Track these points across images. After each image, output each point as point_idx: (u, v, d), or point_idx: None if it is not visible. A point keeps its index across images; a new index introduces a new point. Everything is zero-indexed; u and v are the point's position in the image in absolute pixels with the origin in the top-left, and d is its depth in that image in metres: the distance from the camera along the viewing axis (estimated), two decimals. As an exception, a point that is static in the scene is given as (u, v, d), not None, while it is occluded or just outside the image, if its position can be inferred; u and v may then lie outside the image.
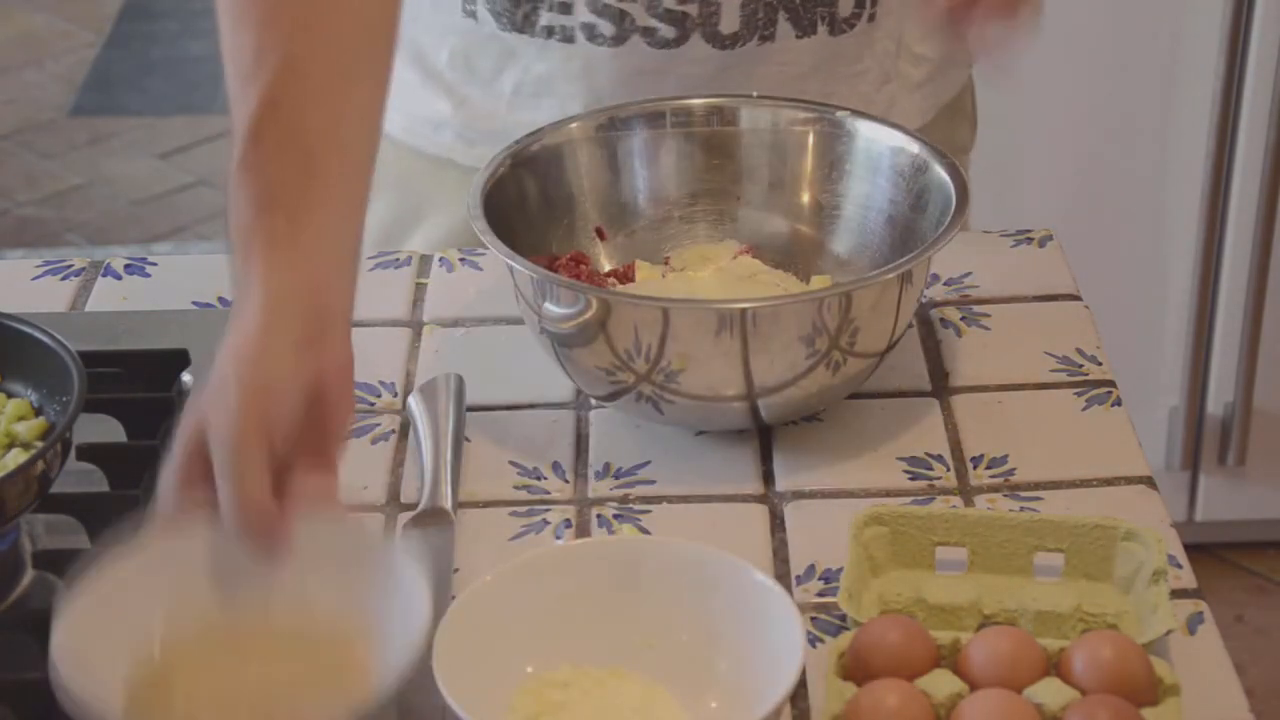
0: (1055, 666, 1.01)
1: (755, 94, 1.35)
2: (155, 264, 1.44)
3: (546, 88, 1.40)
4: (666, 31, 1.37)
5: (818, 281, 1.30)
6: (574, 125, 1.33)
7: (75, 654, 0.95)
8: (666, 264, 1.32)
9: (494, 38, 1.40)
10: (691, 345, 1.16)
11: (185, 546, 0.99)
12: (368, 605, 1.00)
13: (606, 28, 1.37)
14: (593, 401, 1.27)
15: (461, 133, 1.45)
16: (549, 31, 1.38)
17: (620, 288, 1.29)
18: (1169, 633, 1.04)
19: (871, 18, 1.40)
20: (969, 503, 1.18)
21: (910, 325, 1.28)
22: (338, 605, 1.01)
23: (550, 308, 1.19)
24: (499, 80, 1.41)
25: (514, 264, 1.19)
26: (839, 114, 1.32)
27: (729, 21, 1.37)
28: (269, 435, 0.97)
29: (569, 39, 1.38)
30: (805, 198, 1.33)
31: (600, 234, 1.33)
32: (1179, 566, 1.12)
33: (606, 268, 1.31)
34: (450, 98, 1.44)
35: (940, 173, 1.26)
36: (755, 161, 1.34)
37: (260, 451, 0.96)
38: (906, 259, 1.18)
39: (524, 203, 1.29)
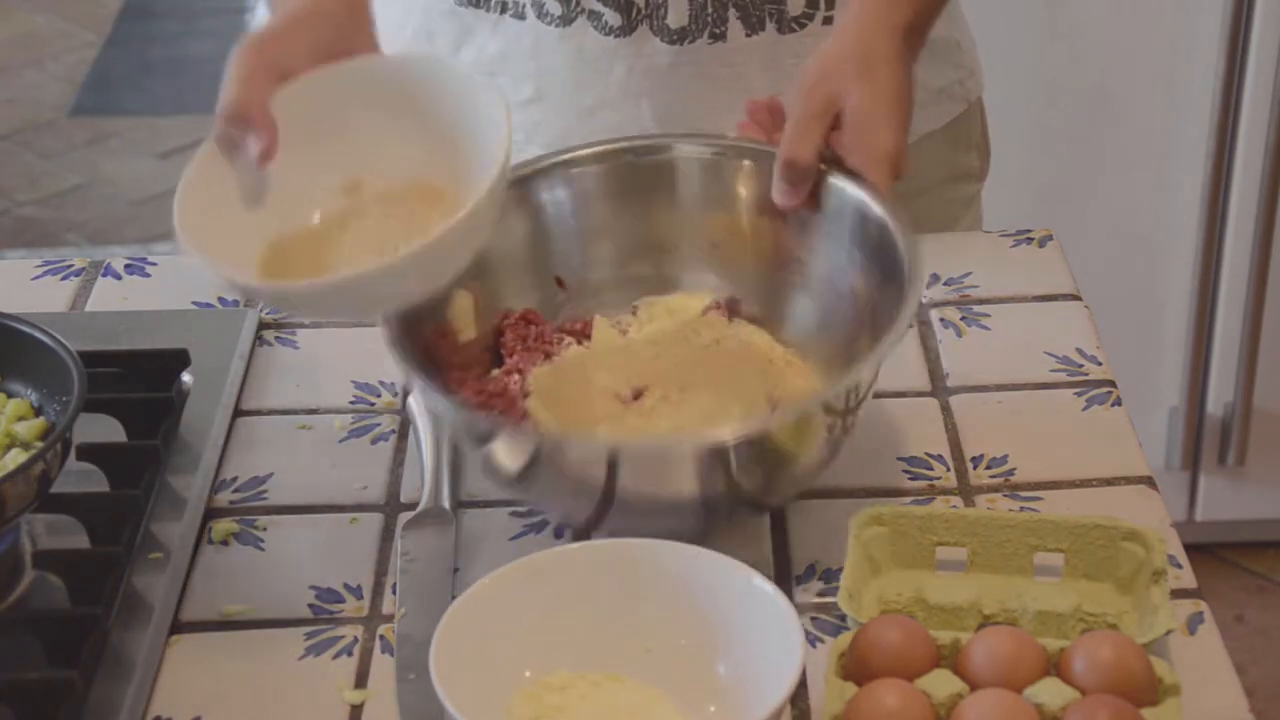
0: (1055, 666, 1.01)
1: (731, 135, 1.26)
2: (155, 264, 1.44)
3: (500, 66, 1.40)
4: (612, 18, 1.37)
5: (787, 354, 1.22)
6: (528, 170, 1.24)
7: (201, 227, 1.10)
8: (634, 314, 1.25)
9: (453, 14, 1.41)
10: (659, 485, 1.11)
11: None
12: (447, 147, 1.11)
13: (554, 6, 1.37)
14: (593, 402, 1.27)
15: None
16: (502, 6, 1.39)
17: (545, 370, 1.20)
18: (1169, 633, 1.04)
19: (828, 20, 1.39)
20: (969, 503, 1.18)
21: (910, 326, 1.28)
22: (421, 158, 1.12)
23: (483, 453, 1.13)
24: (457, 57, 1.42)
25: (441, 401, 1.12)
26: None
27: (677, 15, 1.37)
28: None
29: (520, 15, 1.39)
30: (777, 252, 1.25)
31: (560, 283, 1.26)
32: (1179, 566, 1.12)
33: (561, 319, 1.24)
34: None
35: (905, 257, 1.15)
36: (722, 209, 1.26)
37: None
38: (844, 381, 1.11)
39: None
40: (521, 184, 1.23)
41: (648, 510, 1.10)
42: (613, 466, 1.07)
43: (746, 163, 1.25)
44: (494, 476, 1.14)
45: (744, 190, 1.25)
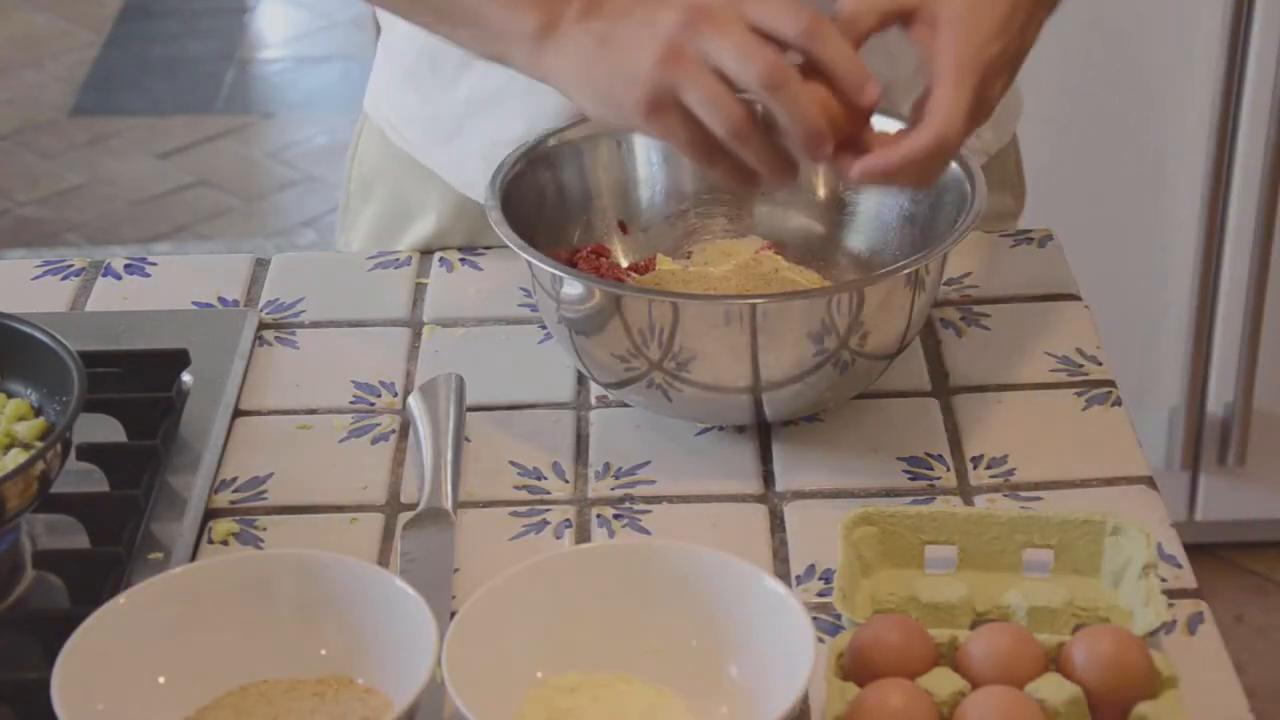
0: (1054, 662, 1.01)
1: None
2: (155, 264, 1.44)
3: (495, 99, 1.40)
4: None
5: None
6: (590, 123, 1.33)
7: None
8: (689, 258, 1.33)
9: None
10: (701, 337, 1.16)
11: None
12: (372, 649, 1.02)
13: None
14: (593, 401, 1.27)
15: (425, 131, 1.45)
16: None
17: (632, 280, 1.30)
18: (1164, 625, 1.04)
19: None
20: (969, 503, 1.18)
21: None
22: (342, 651, 1.03)
23: (568, 294, 1.19)
24: (457, 84, 1.41)
25: (530, 257, 1.19)
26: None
27: None
28: None
29: None
30: (825, 194, 1.33)
31: (622, 228, 1.33)
32: (1179, 566, 1.12)
33: (626, 262, 1.32)
34: (418, 93, 1.45)
35: (956, 170, 1.25)
36: None
37: None
38: (913, 259, 1.18)
39: (542, 197, 1.30)
40: (580, 138, 1.32)
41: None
42: (677, 311, 1.16)
43: None
44: (581, 323, 1.19)
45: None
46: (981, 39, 1.13)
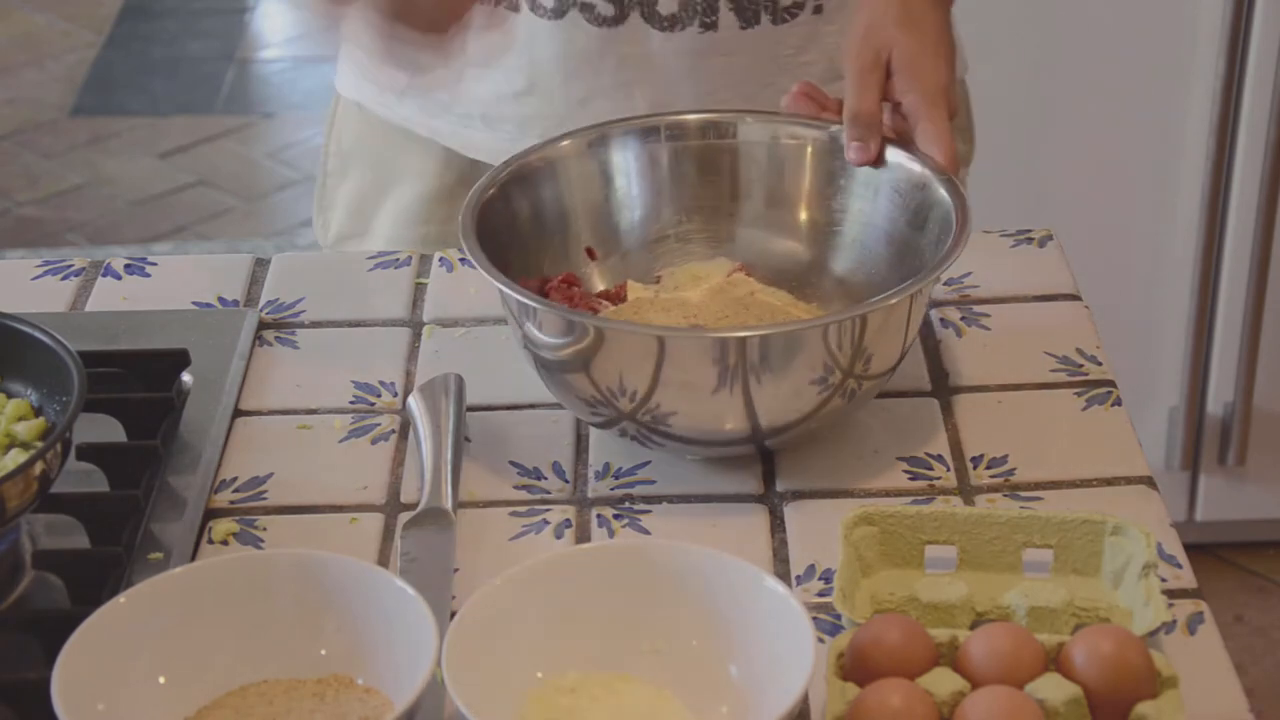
0: (1054, 662, 1.01)
1: (778, 112, 1.32)
2: (155, 264, 1.44)
3: (494, 60, 1.40)
4: (604, 8, 1.38)
5: (810, 310, 1.28)
6: (565, 143, 1.30)
7: None
8: (658, 282, 1.30)
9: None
10: (681, 385, 1.14)
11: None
12: (373, 649, 1.02)
13: None
14: (593, 401, 1.27)
15: (421, 103, 1.46)
16: None
17: (611, 310, 1.27)
18: (1164, 625, 1.04)
19: (818, 9, 1.40)
20: (969, 503, 1.18)
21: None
22: (342, 651, 1.03)
23: (534, 333, 1.17)
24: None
25: (503, 287, 1.16)
26: (835, 129, 1.29)
27: (667, 2, 1.37)
28: None
29: (514, 7, 1.39)
30: (802, 215, 1.31)
31: (590, 254, 1.30)
32: (1179, 566, 1.12)
33: (599, 288, 1.29)
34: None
35: (940, 191, 1.23)
36: (750, 178, 1.32)
37: None
38: (911, 282, 1.16)
39: (515, 222, 1.26)
40: (554, 160, 1.29)
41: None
42: (663, 349, 1.13)
43: (770, 135, 1.31)
44: (553, 363, 1.17)
45: (768, 162, 1.31)
46: (931, 67, 1.25)
